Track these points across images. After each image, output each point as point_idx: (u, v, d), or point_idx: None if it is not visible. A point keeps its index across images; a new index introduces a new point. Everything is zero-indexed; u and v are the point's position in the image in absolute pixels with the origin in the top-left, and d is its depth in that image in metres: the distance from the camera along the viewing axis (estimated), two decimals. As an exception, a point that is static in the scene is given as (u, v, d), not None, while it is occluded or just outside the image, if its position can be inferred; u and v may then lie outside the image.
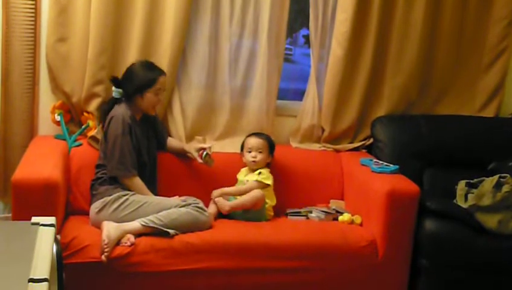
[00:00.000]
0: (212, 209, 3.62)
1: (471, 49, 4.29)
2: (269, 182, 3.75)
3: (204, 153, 3.73)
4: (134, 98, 3.54)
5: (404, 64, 4.15)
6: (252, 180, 3.74)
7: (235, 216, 3.65)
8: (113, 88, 3.58)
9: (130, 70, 3.59)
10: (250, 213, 3.64)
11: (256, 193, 3.66)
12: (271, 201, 3.77)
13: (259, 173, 3.76)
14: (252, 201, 3.64)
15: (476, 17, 4.23)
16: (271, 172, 3.82)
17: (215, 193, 3.69)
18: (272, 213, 3.77)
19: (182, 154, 3.86)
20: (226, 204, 3.63)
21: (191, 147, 3.83)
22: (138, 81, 3.53)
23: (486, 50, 4.29)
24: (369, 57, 4.07)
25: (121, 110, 3.50)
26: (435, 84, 4.28)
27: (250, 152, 3.82)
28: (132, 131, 3.47)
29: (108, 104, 3.61)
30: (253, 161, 3.79)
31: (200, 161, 3.74)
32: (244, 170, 3.86)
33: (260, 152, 3.81)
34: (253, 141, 3.84)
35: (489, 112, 4.34)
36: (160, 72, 3.61)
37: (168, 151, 3.84)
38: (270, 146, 3.86)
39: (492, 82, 4.32)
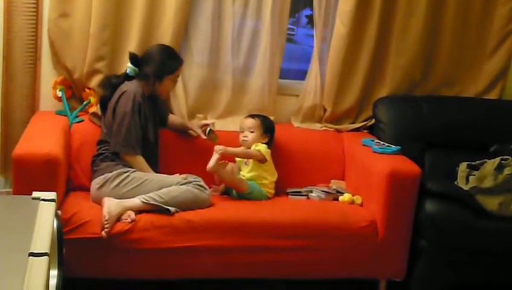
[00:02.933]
0: (219, 187, 3.66)
1: (477, 31, 4.26)
2: (266, 155, 3.73)
3: (208, 129, 3.74)
4: (151, 81, 3.53)
5: (408, 45, 4.12)
6: (252, 149, 3.75)
7: (232, 195, 3.66)
8: (129, 64, 3.56)
9: (151, 53, 3.58)
10: (244, 196, 3.63)
11: (251, 151, 3.70)
12: (271, 177, 3.77)
13: (256, 145, 3.76)
14: (247, 153, 3.69)
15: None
16: (272, 151, 3.81)
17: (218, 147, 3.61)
18: (273, 191, 3.77)
19: (184, 132, 3.86)
20: (226, 149, 3.57)
21: (194, 124, 3.83)
22: (160, 67, 3.53)
23: (492, 32, 4.26)
24: (373, 37, 4.05)
25: (133, 87, 3.48)
26: (439, 65, 4.26)
27: (243, 132, 3.82)
28: (141, 110, 3.46)
29: (118, 79, 3.60)
30: (244, 140, 3.79)
31: (204, 137, 3.75)
32: None
33: (252, 132, 3.79)
34: (246, 121, 3.83)
35: (493, 95, 4.32)
36: (181, 61, 3.65)
37: (168, 128, 3.83)
38: (265, 126, 3.83)
39: (497, 65, 4.29)
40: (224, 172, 3.57)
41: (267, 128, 3.84)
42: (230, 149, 3.65)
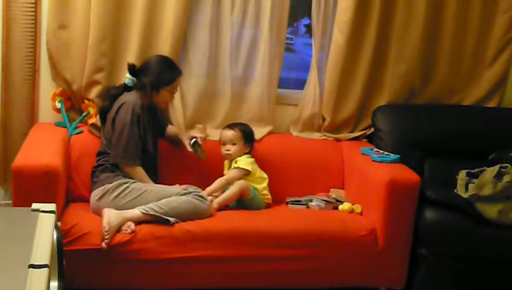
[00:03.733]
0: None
1: (476, 39, 4.26)
2: (248, 167, 3.71)
3: (193, 140, 3.72)
4: (148, 91, 3.53)
5: (406, 53, 4.13)
6: (231, 170, 3.73)
7: (232, 208, 3.65)
8: (127, 75, 3.57)
9: (149, 64, 3.59)
10: (244, 202, 3.64)
11: (237, 184, 3.63)
12: (260, 184, 3.76)
13: (236, 161, 3.75)
14: (234, 194, 3.61)
15: (481, 7, 4.20)
16: (272, 161, 3.81)
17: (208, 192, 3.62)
18: (269, 195, 3.77)
19: (178, 144, 3.84)
20: (214, 205, 3.55)
21: (184, 135, 3.82)
22: (157, 77, 3.53)
23: (492, 40, 4.27)
24: (371, 46, 4.06)
25: (132, 98, 3.49)
26: (438, 73, 4.26)
27: (224, 144, 3.81)
28: (140, 121, 3.47)
29: (117, 90, 3.60)
30: (227, 154, 3.79)
31: (190, 149, 3.73)
32: (227, 163, 3.86)
33: (234, 144, 3.78)
34: (226, 134, 3.81)
35: (492, 103, 4.33)
36: (179, 72, 3.64)
37: (166, 139, 3.83)
38: (245, 136, 3.81)
39: (497, 72, 4.30)
40: (221, 201, 3.58)
41: (248, 138, 3.82)
42: (209, 189, 3.62)
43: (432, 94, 4.29)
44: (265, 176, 3.80)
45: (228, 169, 3.81)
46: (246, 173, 3.71)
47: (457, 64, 4.27)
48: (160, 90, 3.55)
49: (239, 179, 3.67)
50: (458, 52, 4.25)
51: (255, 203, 3.67)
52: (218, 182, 3.67)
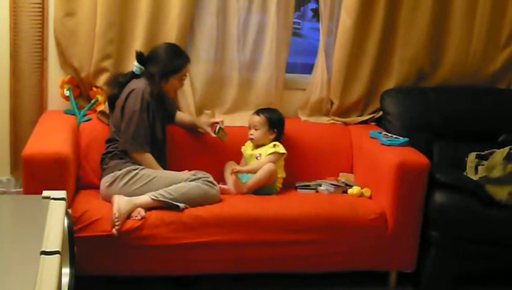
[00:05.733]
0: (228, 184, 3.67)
1: (488, 22, 4.20)
2: (284, 150, 3.74)
3: (218, 127, 3.74)
4: (157, 80, 3.53)
5: (414, 36, 4.11)
6: (266, 155, 3.73)
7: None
8: (135, 63, 3.57)
9: (157, 52, 3.59)
10: (263, 188, 3.65)
11: (269, 166, 3.65)
12: (281, 173, 3.78)
13: (274, 144, 3.75)
14: (266, 176, 3.63)
15: None
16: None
17: (229, 172, 3.67)
18: (281, 185, 3.78)
19: (193, 130, 3.86)
20: (243, 186, 3.62)
21: (202, 122, 3.83)
22: (165, 66, 3.53)
23: (506, 23, 4.22)
24: (379, 29, 4.04)
25: (141, 85, 3.49)
26: (448, 57, 4.22)
27: (250, 128, 3.82)
28: (150, 108, 3.47)
29: (125, 77, 3.61)
30: (250, 138, 3.80)
31: (213, 135, 3.75)
32: (249, 145, 3.86)
33: (256, 129, 3.80)
34: (252, 118, 3.83)
35: (502, 85, 4.31)
36: (187, 58, 3.64)
37: (176, 125, 3.84)
38: (271, 122, 3.81)
39: (509, 55, 4.26)
40: (253, 183, 3.63)
41: (273, 124, 3.82)
42: (242, 169, 3.69)
43: (442, 77, 4.25)
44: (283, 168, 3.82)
45: (252, 150, 3.82)
46: (280, 157, 3.74)
47: (468, 47, 4.23)
48: (169, 78, 3.56)
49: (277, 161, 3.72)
50: (469, 35, 4.21)
51: (271, 190, 3.69)
52: (251, 167, 3.71)
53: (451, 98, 4.13)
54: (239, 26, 4.02)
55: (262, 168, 3.64)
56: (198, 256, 3.31)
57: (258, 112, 3.85)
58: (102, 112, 3.74)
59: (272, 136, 3.81)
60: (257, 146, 3.80)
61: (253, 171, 3.67)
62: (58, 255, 1.62)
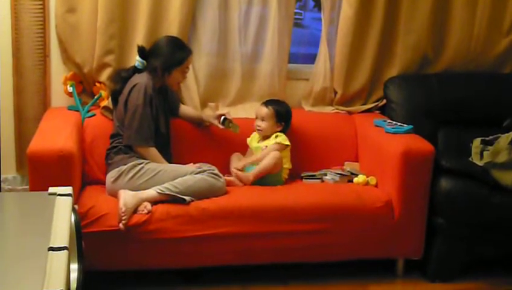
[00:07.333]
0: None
1: (491, 7, 4.18)
2: (288, 142, 3.74)
3: (222, 118, 3.74)
4: (160, 74, 3.52)
5: (417, 22, 4.09)
6: (270, 144, 3.73)
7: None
8: (137, 58, 3.57)
9: (158, 46, 3.58)
10: (267, 177, 3.64)
11: (274, 154, 3.65)
12: (288, 164, 3.77)
13: (276, 136, 3.75)
14: (271, 164, 3.63)
15: None
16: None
17: (236, 167, 3.68)
18: (287, 176, 3.78)
19: (199, 124, 3.86)
20: (249, 175, 3.62)
21: (209, 116, 3.83)
22: (167, 59, 3.52)
23: (510, 8, 4.19)
24: (380, 16, 4.02)
25: (143, 80, 3.49)
26: (451, 43, 4.20)
27: (256, 119, 3.82)
28: (153, 102, 3.47)
29: (127, 72, 3.61)
30: (257, 129, 3.80)
31: (221, 127, 3.75)
32: (255, 136, 3.86)
33: (263, 120, 3.79)
34: (259, 109, 3.83)
35: (506, 70, 4.29)
36: (189, 51, 3.62)
37: (180, 118, 3.84)
38: (278, 115, 3.80)
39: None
40: (258, 171, 3.63)
41: (281, 117, 3.81)
42: (247, 160, 3.72)
43: (446, 63, 4.23)
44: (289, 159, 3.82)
45: (258, 142, 3.82)
46: (284, 149, 3.73)
47: (471, 32, 4.20)
48: (172, 71, 3.55)
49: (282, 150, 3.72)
50: (471, 20, 4.18)
51: (277, 180, 3.68)
52: (256, 158, 3.70)
53: (454, 84, 4.11)
54: (240, 18, 4.02)
55: (267, 157, 3.64)
56: (206, 248, 3.31)
57: (266, 104, 3.83)
58: (105, 107, 3.75)
59: (279, 129, 3.81)
60: (264, 137, 3.80)
61: (258, 161, 3.67)
62: (66, 250, 1.62)
